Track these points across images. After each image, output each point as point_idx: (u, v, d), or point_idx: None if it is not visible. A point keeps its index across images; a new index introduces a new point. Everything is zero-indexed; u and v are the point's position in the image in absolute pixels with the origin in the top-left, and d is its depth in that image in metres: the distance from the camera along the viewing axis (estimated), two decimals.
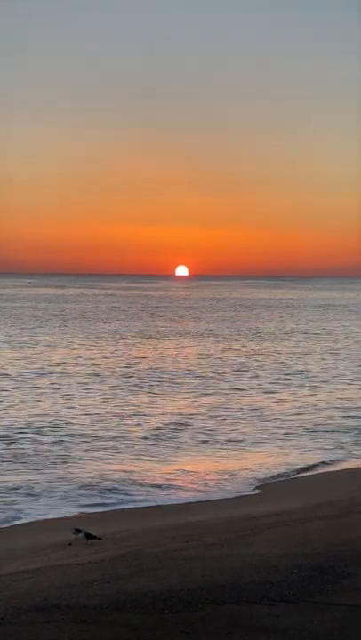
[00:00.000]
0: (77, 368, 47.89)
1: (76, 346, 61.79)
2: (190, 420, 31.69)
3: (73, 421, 31.00)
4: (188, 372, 46.50)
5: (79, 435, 28.54)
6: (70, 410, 33.54)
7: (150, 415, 32.70)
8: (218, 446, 27.26)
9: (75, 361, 51.64)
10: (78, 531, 15.46)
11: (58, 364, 49.34)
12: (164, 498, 21.18)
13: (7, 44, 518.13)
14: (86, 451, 26.07)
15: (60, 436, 28.27)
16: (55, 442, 27.24)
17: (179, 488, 22.17)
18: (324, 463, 25.36)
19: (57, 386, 40.28)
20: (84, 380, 42.52)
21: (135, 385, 41.20)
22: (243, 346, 63.94)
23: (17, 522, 18.89)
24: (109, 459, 25.08)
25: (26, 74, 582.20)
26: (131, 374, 45.33)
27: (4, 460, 24.53)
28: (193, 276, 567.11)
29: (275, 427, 30.72)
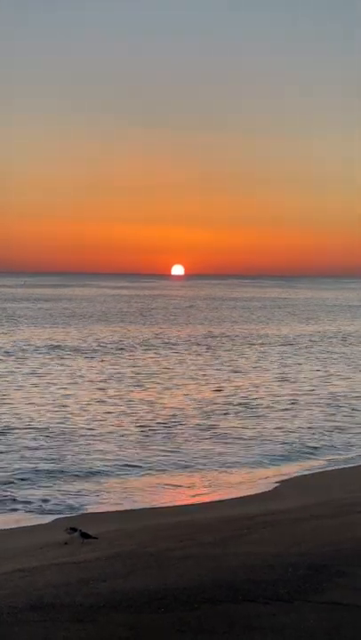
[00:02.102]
0: (71, 366, 47.91)
1: (68, 344, 61.78)
2: (188, 416, 31.69)
3: (68, 419, 30.97)
4: (184, 369, 46.54)
5: (75, 432, 28.51)
6: (65, 407, 33.51)
7: (146, 412, 32.69)
8: (214, 443, 27.24)
9: (68, 359, 51.64)
10: (74, 530, 15.46)
11: (48, 363, 49.35)
12: (160, 497, 21.18)
13: (8, 43, 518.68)
14: (82, 448, 26.06)
15: (55, 433, 28.24)
16: (50, 440, 27.22)
17: (175, 487, 22.18)
18: (324, 462, 25.40)
19: (51, 384, 40.27)
20: (78, 379, 42.52)
21: (130, 382, 41.20)
22: (234, 345, 64.02)
23: (12, 520, 18.89)
24: (106, 456, 25.07)
25: (26, 74, 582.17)
26: (124, 372, 45.35)
27: None
28: (189, 276, 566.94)
29: (272, 424, 30.73)
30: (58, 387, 39.67)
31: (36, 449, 25.93)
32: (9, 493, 20.87)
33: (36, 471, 23.05)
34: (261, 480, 22.92)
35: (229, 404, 35.51)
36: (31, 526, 18.28)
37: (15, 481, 21.96)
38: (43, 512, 19.57)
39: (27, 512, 19.54)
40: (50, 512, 19.55)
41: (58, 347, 59.97)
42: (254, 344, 65.19)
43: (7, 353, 55.07)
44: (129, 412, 33.19)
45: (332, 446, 27.47)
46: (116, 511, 19.51)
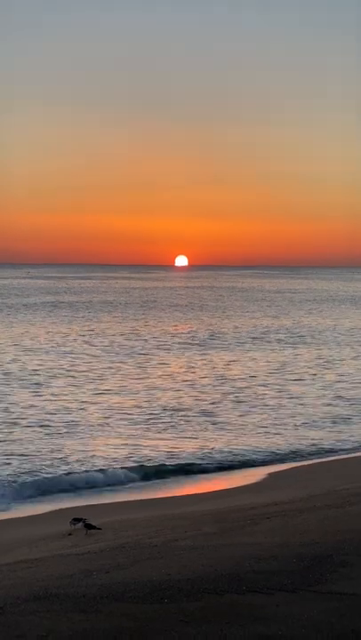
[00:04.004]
0: (73, 359, 47.94)
1: (73, 336, 61.82)
2: (188, 407, 31.69)
3: (70, 411, 30.98)
4: (186, 359, 46.56)
5: (78, 424, 28.52)
6: (67, 399, 33.53)
7: (148, 403, 32.68)
8: (216, 434, 27.24)
9: (71, 353, 51.69)
10: (78, 520, 15.48)
11: (52, 356, 49.38)
12: (163, 488, 21.19)
13: (7, 43, 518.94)
14: (84, 440, 26.07)
15: (58, 425, 28.25)
16: (53, 432, 27.24)
17: (177, 478, 22.20)
18: (325, 452, 25.42)
19: (53, 377, 40.30)
20: (77, 369, 42.53)
21: (132, 375, 41.21)
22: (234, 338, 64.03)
23: (16, 511, 18.92)
24: (109, 448, 25.07)
25: (26, 72, 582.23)
26: (126, 362, 45.37)
27: None
28: (192, 266, 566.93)
29: (275, 413, 30.72)
30: (61, 379, 39.69)
31: (39, 441, 25.94)
32: (13, 485, 20.88)
33: (40, 464, 23.06)
34: (264, 471, 22.93)
35: (232, 394, 35.50)
36: (35, 517, 18.30)
37: (19, 473, 21.96)
38: (46, 503, 19.58)
39: (30, 503, 19.55)
40: (54, 502, 19.57)
41: (62, 339, 60.03)
42: (256, 335, 65.15)
43: (12, 347, 55.11)
44: (130, 403, 33.19)
45: (334, 436, 27.46)
46: (120, 502, 19.53)
